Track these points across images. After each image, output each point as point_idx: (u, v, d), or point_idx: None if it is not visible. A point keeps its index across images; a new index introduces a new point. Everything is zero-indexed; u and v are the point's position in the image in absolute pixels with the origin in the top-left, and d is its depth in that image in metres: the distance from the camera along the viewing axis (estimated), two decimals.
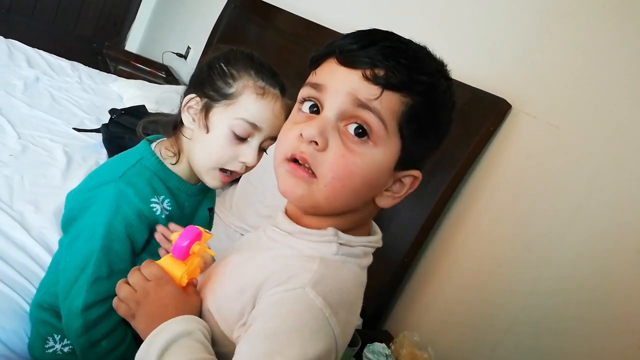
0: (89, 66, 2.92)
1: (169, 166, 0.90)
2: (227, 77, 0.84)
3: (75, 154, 1.78)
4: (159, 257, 0.72)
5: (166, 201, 0.88)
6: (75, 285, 0.83)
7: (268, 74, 0.86)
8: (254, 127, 0.83)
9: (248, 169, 0.87)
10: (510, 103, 1.34)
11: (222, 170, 0.87)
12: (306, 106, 0.63)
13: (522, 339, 1.19)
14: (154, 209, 0.86)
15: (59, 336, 0.91)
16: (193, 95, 0.86)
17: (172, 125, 0.91)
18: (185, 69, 3.41)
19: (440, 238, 1.44)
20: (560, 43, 1.30)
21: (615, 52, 1.18)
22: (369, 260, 0.66)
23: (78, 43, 4.11)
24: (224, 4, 3.06)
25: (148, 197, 0.86)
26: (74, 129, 1.99)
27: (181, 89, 3.13)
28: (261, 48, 2.64)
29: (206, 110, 0.85)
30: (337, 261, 0.63)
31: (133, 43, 4.43)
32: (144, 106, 2.12)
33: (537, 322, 1.18)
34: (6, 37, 2.73)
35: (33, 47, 2.75)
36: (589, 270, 1.12)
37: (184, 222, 0.85)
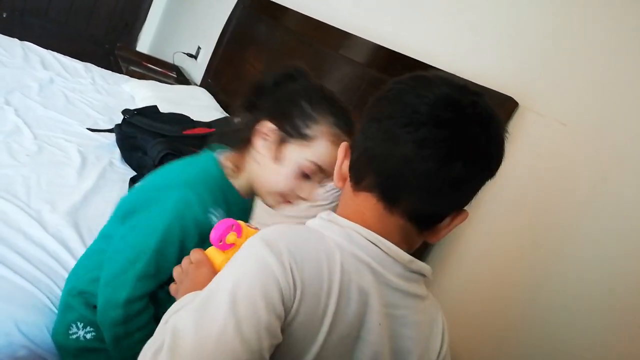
0: (101, 67, 2.97)
1: (230, 179, 0.94)
2: (307, 118, 0.88)
3: (90, 154, 1.82)
4: None
5: (222, 213, 0.92)
6: (122, 277, 0.87)
7: (344, 120, 0.90)
8: (321, 170, 0.89)
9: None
10: (518, 101, 1.35)
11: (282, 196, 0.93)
12: None
13: (529, 334, 1.20)
14: (211, 219, 0.89)
15: (82, 324, 0.95)
16: (272, 126, 0.90)
17: (239, 142, 0.95)
18: (196, 69, 3.44)
19: (447, 236, 1.45)
20: (569, 41, 1.31)
21: (625, 50, 1.18)
22: (355, 247, 0.62)
23: (90, 44, 4.17)
24: (234, 4, 3.09)
25: (208, 206, 0.89)
26: (88, 129, 2.03)
27: (193, 88, 3.15)
28: (270, 48, 2.67)
29: (281, 143, 0.89)
30: (308, 226, 0.65)
31: (144, 44, 4.48)
32: (156, 106, 2.16)
33: (543, 317, 1.19)
34: (21, 39, 2.79)
35: (46, 48, 2.80)
36: (596, 267, 1.12)
37: None
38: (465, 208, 0.70)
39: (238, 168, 0.95)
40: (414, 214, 0.64)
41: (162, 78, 3.23)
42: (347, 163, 0.70)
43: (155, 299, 0.91)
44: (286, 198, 0.92)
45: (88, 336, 0.95)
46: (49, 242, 1.27)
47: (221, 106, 2.79)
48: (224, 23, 3.11)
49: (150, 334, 0.80)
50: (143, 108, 2.11)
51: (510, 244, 1.31)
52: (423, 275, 0.67)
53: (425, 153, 0.60)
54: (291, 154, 0.89)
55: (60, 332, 0.97)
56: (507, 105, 1.35)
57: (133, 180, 1.73)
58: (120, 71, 3.13)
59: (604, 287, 1.10)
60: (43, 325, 1.03)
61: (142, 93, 2.63)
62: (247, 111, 0.97)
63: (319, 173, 0.90)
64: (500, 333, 1.25)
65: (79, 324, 0.95)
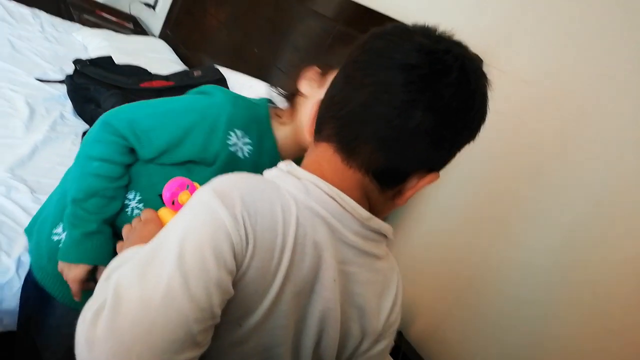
0: (50, 14, 2.78)
1: (275, 129, 0.93)
2: (340, 52, 0.91)
3: (39, 105, 1.72)
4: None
5: (248, 147, 0.90)
6: (121, 109, 0.89)
7: None
8: None
9: None
10: (482, 58, 1.34)
11: None
12: None
13: (484, 290, 1.24)
14: (229, 138, 0.87)
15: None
16: (315, 67, 0.91)
17: (285, 97, 0.95)
18: (155, 20, 3.28)
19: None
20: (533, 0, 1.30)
21: (587, 9, 1.18)
22: (312, 201, 0.59)
23: None
24: None
25: (235, 126, 0.88)
26: (37, 79, 1.91)
27: (151, 40, 3.01)
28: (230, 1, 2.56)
29: (324, 74, 0.90)
30: (265, 177, 0.62)
31: None
32: (110, 57, 2.05)
33: (496, 274, 1.23)
34: None
35: None
36: (550, 221, 1.15)
37: None
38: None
39: (283, 120, 0.94)
40: (372, 167, 0.60)
41: (117, 28, 3.06)
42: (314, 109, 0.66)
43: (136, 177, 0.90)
44: None
45: None
46: None
47: (181, 59, 2.68)
48: None
49: (107, 181, 0.84)
50: (97, 58, 2.00)
51: (469, 201, 1.33)
52: (383, 235, 0.64)
53: (384, 97, 0.56)
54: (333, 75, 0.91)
55: (46, 226, 0.93)
56: None
57: (86, 134, 1.65)
58: (71, 19, 2.94)
59: (555, 244, 1.13)
60: None
61: (96, 43, 2.49)
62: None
63: None
64: (456, 291, 1.29)
65: (65, 225, 0.92)
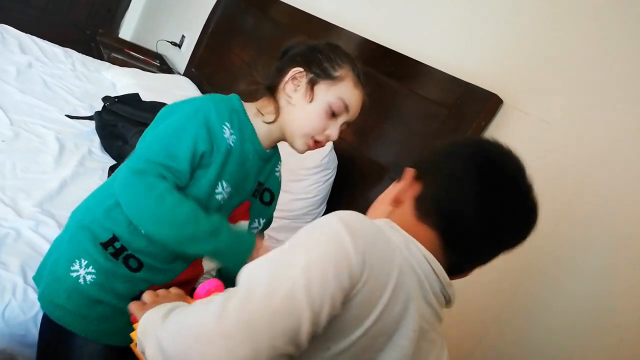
0: (82, 53, 2.90)
1: (251, 118, 1.01)
2: (333, 62, 0.99)
3: (68, 141, 1.78)
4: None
5: (234, 137, 0.97)
6: (131, 160, 0.92)
7: (361, 72, 1.02)
8: (346, 108, 0.99)
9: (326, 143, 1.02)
10: (502, 98, 1.35)
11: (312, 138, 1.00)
12: None
13: (509, 329, 1.22)
14: (224, 131, 0.95)
15: (86, 262, 0.93)
16: (300, 69, 0.99)
17: (264, 91, 1.03)
18: (180, 58, 3.39)
19: None
20: (555, 40, 1.31)
21: (610, 50, 1.19)
22: (411, 257, 0.69)
23: (71, 30, 4.07)
24: None
25: (223, 119, 0.96)
26: (67, 116, 1.98)
27: (177, 77, 3.10)
28: (257, 39, 2.64)
29: (312, 84, 0.98)
30: (375, 222, 0.70)
31: (127, 31, 4.40)
32: (137, 95, 2.12)
33: (524, 312, 1.20)
34: None
35: (25, 33, 2.72)
36: (577, 265, 1.14)
37: (241, 176, 1.00)
38: None
39: (265, 117, 1.01)
40: (452, 261, 0.72)
41: (144, 66, 3.17)
42: (411, 193, 0.75)
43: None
44: (315, 138, 1.00)
45: (88, 278, 0.93)
46: (24, 230, 1.23)
47: None
48: (209, 12, 3.06)
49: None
50: (124, 96, 2.07)
51: None
52: (449, 301, 0.73)
53: (503, 224, 0.71)
54: (322, 92, 0.98)
55: (61, 264, 0.95)
56: (492, 102, 1.35)
57: (112, 169, 1.70)
58: (101, 58, 3.06)
59: (583, 285, 1.11)
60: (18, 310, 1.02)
61: (124, 81, 2.58)
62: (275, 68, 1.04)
63: (345, 112, 0.99)
64: (481, 327, 1.26)
65: (82, 260, 0.93)
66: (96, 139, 1.89)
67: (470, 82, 1.41)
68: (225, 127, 0.95)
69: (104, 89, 2.45)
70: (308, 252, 0.58)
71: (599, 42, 1.21)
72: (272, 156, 1.08)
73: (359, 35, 1.89)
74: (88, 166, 1.68)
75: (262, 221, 1.12)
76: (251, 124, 1.01)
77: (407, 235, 0.69)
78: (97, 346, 0.92)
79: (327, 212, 1.71)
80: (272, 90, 1.01)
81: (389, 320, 0.62)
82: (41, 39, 2.75)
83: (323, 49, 1.01)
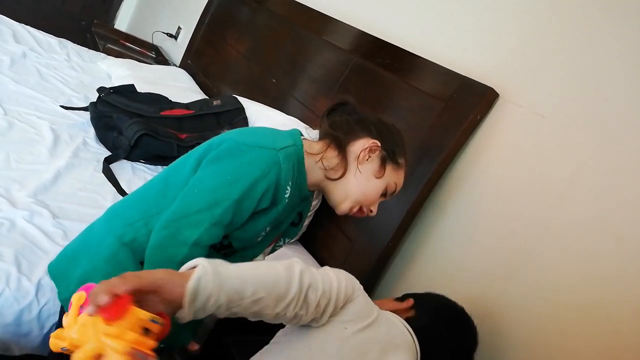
0: (77, 44, 2.88)
1: (306, 160, 1.00)
2: (400, 149, 1.05)
3: (62, 132, 1.77)
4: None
5: (291, 192, 0.97)
6: (195, 217, 0.87)
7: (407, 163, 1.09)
8: (393, 193, 1.06)
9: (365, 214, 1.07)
10: (498, 92, 1.36)
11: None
12: None
13: (501, 322, 1.22)
14: (286, 192, 0.95)
15: None
16: (378, 143, 1.02)
17: (335, 140, 1.03)
18: (176, 50, 3.37)
19: (424, 223, 1.46)
20: (551, 34, 1.31)
21: (605, 44, 1.19)
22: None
23: (66, 20, 4.04)
24: None
25: (288, 180, 0.95)
26: (62, 106, 1.97)
27: (172, 69, 3.08)
28: (253, 30, 2.63)
29: (383, 161, 1.03)
30: None
31: (122, 22, 4.37)
32: (132, 86, 2.11)
33: (516, 306, 1.21)
34: None
35: (20, 22, 2.70)
36: (570, 257, 1.14)
37: (283, 218, 1.01)
38: None
39: (321, 159, 1.01)
40: None
41: (140, 57, 3.15)
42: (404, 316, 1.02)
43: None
44: (361, 208, 1.04)
45: None
46: (19, 221, 1.23)
47: (200, 88, 2.74)
48: (206, 3, 3.04)
49: None
50: (120, 87, 2.06)
51: (486, 234, 1.33)
52: None
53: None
54: (388, 173, 1.03)
55: (96, 280, 0.91)
56: (488, 96, 1.35)
57: (107, 161, 1.69)
58: (96, 49, 3.04)
59: (576, 277, 1.12)
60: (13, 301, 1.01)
61: (119, 72, 2.56)
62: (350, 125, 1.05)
63: (391, 195, 1.06)
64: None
65: None
66: (91, 130, 1.88)
67: (466, 75, 1.41)
68: (288, 187, 0.96)
69: (99, 80, 2.43)
70: (337, 272, 0.85)
71: (597, 36, 1.21)
72: (311, 194, 1.09)
73: (356, 28, 1.88)
74: (83, 157, 1.67)
75: (287, 240, 1.14)
76: (305, 172, 1.00)
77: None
78: None
79: (324, 206, 1.71)
80: (341, 145, 1.03)
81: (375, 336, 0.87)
82: (35, 29, 2.72)
83: (395, 131, 1.07)
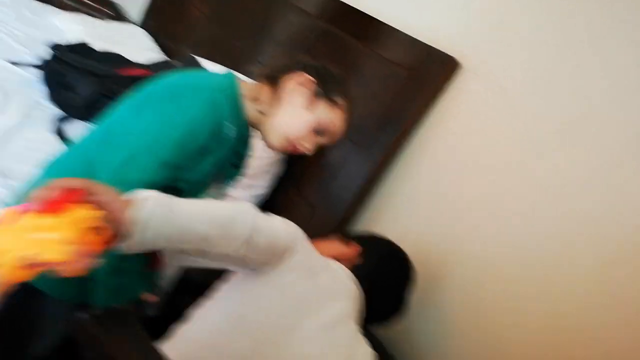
0: None
1: (245, 102, 1.02)
2: (339, 90, 1.05)
3: (12, 90, 1.67)
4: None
5: (234, 131, 0.98)
6: (143, 160, 0.87)
7: (350, 109, 1.08)
8: (330, 134, 1.06)
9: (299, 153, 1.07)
10: (461, 62, 1.37)
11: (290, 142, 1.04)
12: None
13: (462, 288, 1.27)
14: (230, 130, 0.96)
15: None
16: (312, 79, 1.03)
17: (269, 78, 1.05)
18: (136, 8, 3.22)
19: (384, 192, 1.49)
20: (514, 7, 1.32)
21: (568, 19, 1.21)
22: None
23: None
24: None
25: (231, 117, 0.97)
26: (12, 62, 1.86)
27: (131, 27, 2.94)
28: None
29: (316, 96, 1.03)
30: None
31: None
32: (88, 43, 2.01)
33: (475, 271, 1.26)
34: None
35: None
36: (526, 228, 1.19)
37: (228, 159, 1.01)
38: None
39: (256, 99, 1.03)
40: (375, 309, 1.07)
41: (96, 14, 2.99)
42: (349, 260, 1.07)
43: None
44: (293, 144, 1.04)
45: None
46: None
47: (161, 49, 2.64)
48: None
49: None
50: (75, 44, 1.95)
51: (445, 202, 1.36)
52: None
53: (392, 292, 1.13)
54: (320, 107, 1.03)
55: None
56: (451, 66, 1.36)
57: (60, 121, 1.62)
58: (49, 2, 2.86)
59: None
60: None
61: (73, 28, 2.43)
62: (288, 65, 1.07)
63: (327, 135, 1.05)
64: (432, 284, 1.32)
65: None
66: (42, 88, 1.78)
67: (431, 44, 1.42)
68: (230, 125, 0.96)
69: (52, 36, 2.30)
70: (281, 219, 0.87)
71: (560, 11, 1.23)
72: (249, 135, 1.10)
73: None
74: (34, 116, 1.60)
75: (229, 182, 1.13)
76: (243, 111, 1.02)
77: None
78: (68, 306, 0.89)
79: (286, 172, 1.70)
80: (274, 80, 1.04)
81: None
82: None
83: (336, 75, 1.07)
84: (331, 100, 1.04)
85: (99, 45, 2.07)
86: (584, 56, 1.16)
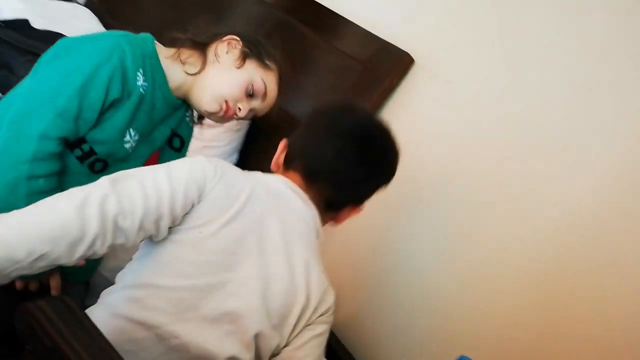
0: None
1: (164, 64, 0.98)
2: (269, 52, 1.04)
3: None
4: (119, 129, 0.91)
5: (145, 84, 0.93)
6: (39, 111, 0.82)
7: (282, 74, 1.07)
8: (263, 97, 1.03)
9: (231, 119, 1.05)
10: (414, 58, 1.39)
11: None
12: None
13: (402, 286, 1.30)
14: (138, 78, 0.91)
15: None
16: (238, 38, 1.02)
17: (194, 42, 1.02)
18: None
19: None
20: (469, 8, 1.36)
21: (517, 13, 1.24)
22: (276, 179, 0.91)
23: None
24: None
25: (138, 65, 0.92)
26: None
27: (75, 7, 2.80)
28: None
29: (244, 55, 1.01)
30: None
31: None
32: (27, 21, 1.89)
33: (417, 267, 1.29)
34: None
35: None
36: (472, 220, 1.23)
37: (150, 124, 0.97)
38: None
39: (182, 62, 0.99)
40: (324, 196, 0.89)
41: None
42: (283, 155, 0.92)
43: (65, 165, 0.86)
44: (226, 105, 1.00)
45: None
46: None
47: (106, 30, 2.53)
48: None
49: (52, 192, 0.72)
50: (12, 21, 1.85)
51: (394, 197, 1.38)
52: (316, 229, 0.90)
53: (341, 157, 0.88)
54: (251, 67, 1.01)
55: None
56: (404, 61, 1.38)
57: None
58: None
59: (462, 240, 1.21)
60: None
61: (11, 4, 2.26)
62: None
63: (261, 97, 1.03)
64: (376, 280, 1.34)
65: None
66: None
67: (385, 39, 1.43)
68: (139, 73, 0.91)
69: None
70: (169, 165, 0.78)
71: (508, 6, 1.27)
72: (181, 104, 1.04)
73: None
74: None
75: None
76: (163, 72, 0.97)
77: (274, 176, 0.89)
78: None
79: (240, 160, 1.68)
80: (202, 47, 1.01)
81: (247, 220, 0.79)
82: None
83: (264, 42, 1.05)
84: (262, 62, 1.02)
85: (40, 23, 1.96)
86: (532, 52, 1.21)
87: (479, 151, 1.24)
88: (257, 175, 0.87)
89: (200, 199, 0.77)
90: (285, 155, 0.92)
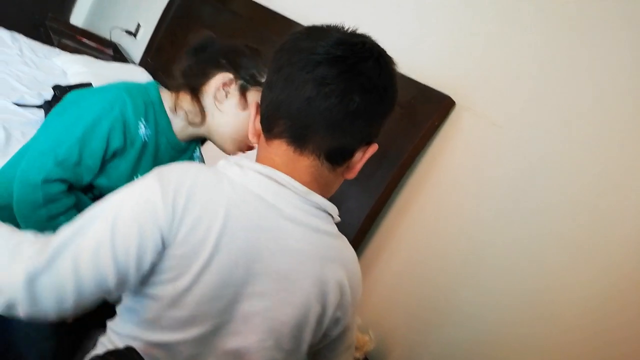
0: (30, 38, 2.78)
1: (167, 110, 1.00)
2: (259, 68, 0.98)
3: (15, 130, 1.70)
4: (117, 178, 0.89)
5: (148, 132, 0.96)
6: (41, 159, 0.87)
7: None
8: None
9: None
10: (455, 100, 1.41)
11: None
12: None
13: (457, 332, 1.27)
14: (139, 128, 0.94)
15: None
16: (230, 76, 0.98)
17: (186, 87, 1.01)
18: (135, 47, 3.29)
19: (384, 227, 1.50)
20: (507, 44, 1.36)
21: (560, 55, 1.24)
22: (254, 178, 0.69)
23: (17, 13, 3.87)
24: None
25: (140, 115, 0.94)
26: (15, 103, 1.90)
27: (131, 67, 3.01)
28: (214, 30, 2.60)
29: (243, 91, 0.98)
30: (215, 168, 0.71)
31: (78, 16, 4.22)
32: (90, 84, 2.05)
33: (471, 315, 1.26)
34: None
35: None
36: (524, 266, 1.19)
37: (154, 164, 0.95)
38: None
39: (182, 110, 1.00)
40: (323, 150, 0.70)
41: (97, 54, 3.06)
42: (258, 118, 0.74)
43: (79, 202, 0.91)
44: (245, 144, 1.02)
45: None
46: None
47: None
48: (167, 1, 2.99)
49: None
50: (76, 85, 2.00)
51: (442, 240, 1.37)
52: (328, 213, 0.73)
53: (325, 90, 0.66)
54: (252, 97, 0.99)
55: None
56: (445, 104, 1.40)
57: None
58: (51, 44, 2.94)
59: (530, 285, 1.17)
60: None
61: (75, 68, 2.48)
62: (193, 61, 1.03)
63: None
64: (428, 328, 1.31)
65: None
66: None
67: (423, 82, 1.46)
68: (141, 123, 0.94)
69: (54, 77, 2.36)
70: (114, 208, 0.63)
71: (551, 47, 1.27)
72: (187, 147, 1.08)
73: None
74: None
75: None
76: (167, 117, 1.00)
77: (249, 163, 0.70)
78: None
79: None
80: (195, 91, 1.01)
81: (227, 256, 0.65)
82: None
83: (247, 52, 1.01)
84: (258, 84, 0.99)
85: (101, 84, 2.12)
86: (578, 93, 1.19)
87: (528, 194, 1.22)
88: (233, 177, 0.69)
89: (164, 245, 0.63)
90: (261, 118, 0.73)
